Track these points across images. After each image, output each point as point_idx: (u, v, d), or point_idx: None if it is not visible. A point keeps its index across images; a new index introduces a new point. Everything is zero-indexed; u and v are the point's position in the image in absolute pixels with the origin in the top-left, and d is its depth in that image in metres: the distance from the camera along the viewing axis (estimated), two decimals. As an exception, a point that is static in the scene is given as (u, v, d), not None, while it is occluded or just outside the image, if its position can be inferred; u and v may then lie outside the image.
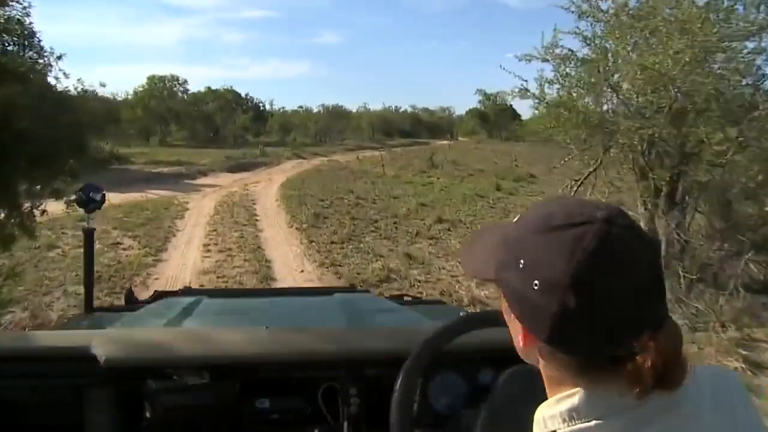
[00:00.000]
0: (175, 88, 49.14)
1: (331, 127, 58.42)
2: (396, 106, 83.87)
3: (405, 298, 3.16)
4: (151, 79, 47.63)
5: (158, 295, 2.91)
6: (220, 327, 2.04)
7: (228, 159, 30.02)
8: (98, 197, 2.62)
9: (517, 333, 0.83)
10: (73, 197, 2.96)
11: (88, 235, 2.71)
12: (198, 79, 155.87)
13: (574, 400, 0.77)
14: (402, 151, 41.73)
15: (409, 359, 1.28)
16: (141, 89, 46.26)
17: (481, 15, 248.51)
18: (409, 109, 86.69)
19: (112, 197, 17.12)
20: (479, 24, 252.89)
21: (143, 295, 3.79)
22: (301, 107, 68.86)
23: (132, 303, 2.88)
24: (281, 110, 65.25)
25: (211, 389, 1.58)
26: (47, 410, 1.58)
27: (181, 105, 46.68)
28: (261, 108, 59.67)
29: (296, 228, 12.15)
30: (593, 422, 0.75)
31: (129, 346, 1.62)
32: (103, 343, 1.59)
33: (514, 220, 0.86)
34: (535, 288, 0.75)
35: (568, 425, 0.76)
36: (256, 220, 13.38)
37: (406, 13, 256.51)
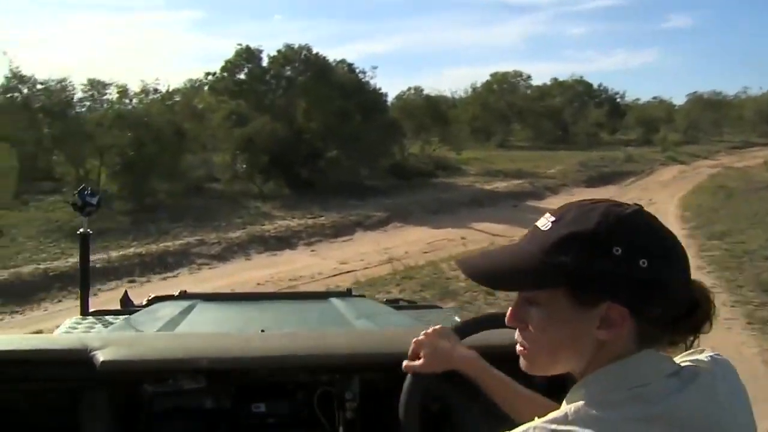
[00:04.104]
0: (518, 84, 46.22)
1: (700, 120, 50.34)
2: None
3: (400, 302, 3.21)
4: (494, 75, 45.37)
5: (154, 300, 2.90)
6: (215, 331, 2.10)
7: (583, 167, 24.97)
8: (94, 201, 2.70)
9: (574, 334, 0.92)
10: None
11: (84, 240, 2.82)
12: (541, 75, 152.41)
13: (631, 368, 0.90)
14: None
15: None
16: (479, 86, 44.01)
17: None
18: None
19: (417, 234, 12.50)
20: None
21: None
22: (655, 98, 62.06)
23: (128, 307, 2.92)
24: (635, 102, 57.75)
25: (207, 393, 1.62)
26: (42, 414, 1.62)
27: (523, 101, 43.16)
28: (616, 100, 52.45)
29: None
30: (649, 385, 0.87)
31: (125, 350, 1.62)
32: (99, 346, 1.60)
33: (547, 227, 0.94)
34: (643, 265, 0.87)
35: (630, 391, 0.87)
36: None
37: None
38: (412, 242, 11.79)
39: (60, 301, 8.53)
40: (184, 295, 2.96)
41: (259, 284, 9.04)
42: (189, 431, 1.63)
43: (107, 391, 1.58)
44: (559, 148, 34.39)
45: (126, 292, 3.19)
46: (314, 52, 20.80)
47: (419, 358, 1.31)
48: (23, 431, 1.63)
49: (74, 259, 10.07)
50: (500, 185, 20.02)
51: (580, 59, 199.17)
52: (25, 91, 16.23)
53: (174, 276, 9.90)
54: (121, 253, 10.58)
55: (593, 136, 42.08)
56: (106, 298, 7.96)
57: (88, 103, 18.18)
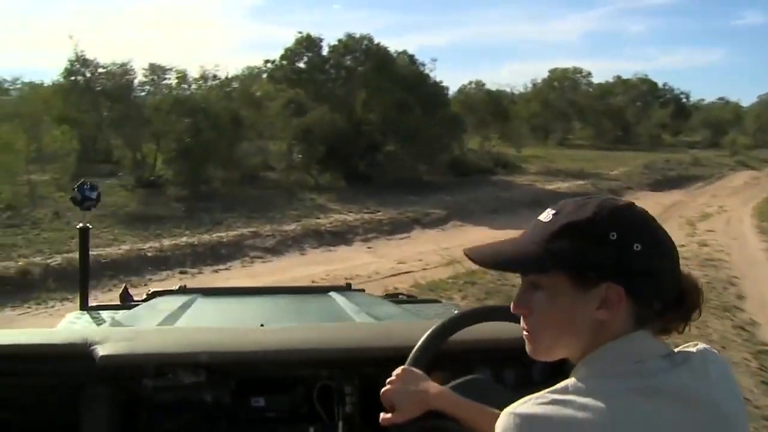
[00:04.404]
0: (579, 81, 45.44)
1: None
2: None
3: (400, 296, 3.24)
4: (553, 71, 44.97)
5: (153, 294, 2.93)
6: (215, 325, 2.11)
7: (647, 169, 23.95)
8: (93, 195, 2.71)
9: (575, 315, 0.97)
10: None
11: (83, 234, 2.80)
12: (600, 72, 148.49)
13: (628, 345, 0.95)
14: None
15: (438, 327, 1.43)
16: (539, 82, 43.49)
17: None
18: None
19: (477, 235, 11.85)
20: None
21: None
22: (720, 99, 60.92)
23: (127, 301, 2.92)
24: (700, 103, 56.08)
25: (206, 388, 1.61)
26: (42, 409, 1.62)
27: (585, 98, 42.45)
28: (682, 101, 50.65)
29: None
30: (645, 362, 0.93)
31: (124, 345, 1.62)
32: (99, 341, 1.61)
33: (548, 219, 1.00)
34: (637, 249, 0.93)
35: (627, 366, 0.93)
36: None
37: None
38: (472, 243, 10.90)
39: (110, 290, 8.24)
40: (183, 290, 3.00)
41: (313, 281, 8.61)
42: (188, 425, 1.62)
43: (107, 386, 1.59)
44: (621, 149, 33.77)
45: (125, 286, 3.16)
46: (375, 42, 20.33)
47: (393, 408, 1.31)
48: (23, 426, 1.63)
49: (127, 246, 9.87)
50: (561, 185, 19.28)
51: (641, 57, 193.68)
52: (88, 74, 16.20)
53: (226, 269, 9.56)
54: (173, 241, 10.30)
55: (656, 138, 41.21)
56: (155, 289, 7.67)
57: (148, 88, 18.14)
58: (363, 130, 18.07)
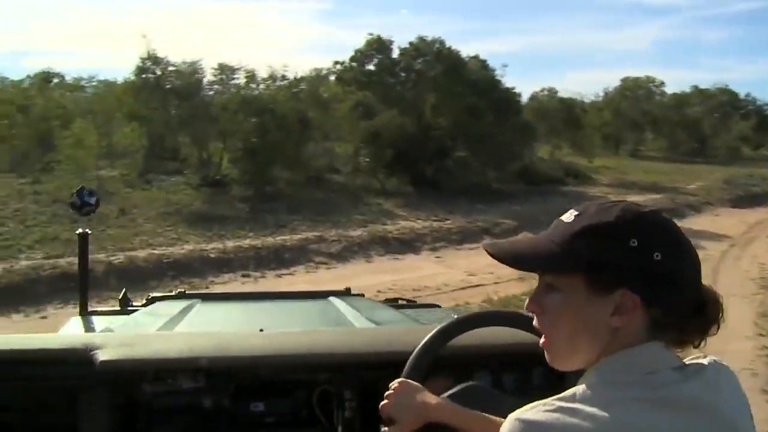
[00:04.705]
0: (652, 91, 43.75)
1: None
2: None
3: (400, 301, 3.27)
4: (625, 80, 43.33)
5: (152, 299, 2.93)
6: (214, 330, 2.10)
7: (728, 184, 22.84)
8: (92, 201, 2.70)
9: (590, 320, 0.94)
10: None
11: (82, 239, 2.79)
12: (673, 82, 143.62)
13: (640, 356, 0.92)
14: None
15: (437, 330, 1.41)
16: (611, 90, 41.97)
17: None
18: None
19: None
20: None
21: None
22: None
23: (126, 306, 2.93)
24: None
25: (206, 392, 1.62)
26: (41, 413, 1.63)
27: (659, 108, 40.88)
28: (765, 112, 48.58)
29: None
30: (656, 374, 0.91)
31: (124, 350, 1.64)
32: (98, 346, 1.62)
33: (570, 219, 0.97)
34: (657, 258, 0.90)
35: (638, 376, 0.91)
36: None
37: None
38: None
39: (170, 290, 8.03)
40: (183, 295, 3.01)
41: (379, 291, 8.18)
42: (188, 430, 1.61)
43: (106, 391, 1.59)
44: (696, 162, 32.49)
45: (125, 291, 3.14)
46: (447, 46, 19.85)
47: (393, 422, 1.28)
48: (24, 428, 1.64)
49: (190, 246, 9.65)
50: (636, 199, 18.12)
51: (718, 67, 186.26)
52: (158, 72, 16.26)
53: (290, 274, 9.25)
54: (236, 243, 10.07)
55: (734, 151, 39.17)
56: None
57: (216, 87, 18.12)
58: (432, 134, 17.68)
